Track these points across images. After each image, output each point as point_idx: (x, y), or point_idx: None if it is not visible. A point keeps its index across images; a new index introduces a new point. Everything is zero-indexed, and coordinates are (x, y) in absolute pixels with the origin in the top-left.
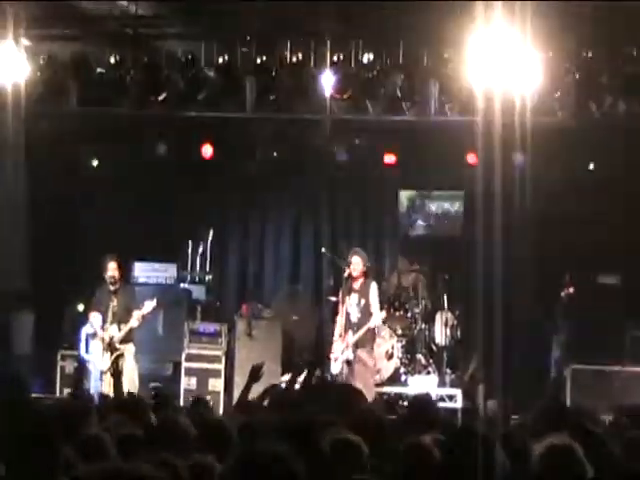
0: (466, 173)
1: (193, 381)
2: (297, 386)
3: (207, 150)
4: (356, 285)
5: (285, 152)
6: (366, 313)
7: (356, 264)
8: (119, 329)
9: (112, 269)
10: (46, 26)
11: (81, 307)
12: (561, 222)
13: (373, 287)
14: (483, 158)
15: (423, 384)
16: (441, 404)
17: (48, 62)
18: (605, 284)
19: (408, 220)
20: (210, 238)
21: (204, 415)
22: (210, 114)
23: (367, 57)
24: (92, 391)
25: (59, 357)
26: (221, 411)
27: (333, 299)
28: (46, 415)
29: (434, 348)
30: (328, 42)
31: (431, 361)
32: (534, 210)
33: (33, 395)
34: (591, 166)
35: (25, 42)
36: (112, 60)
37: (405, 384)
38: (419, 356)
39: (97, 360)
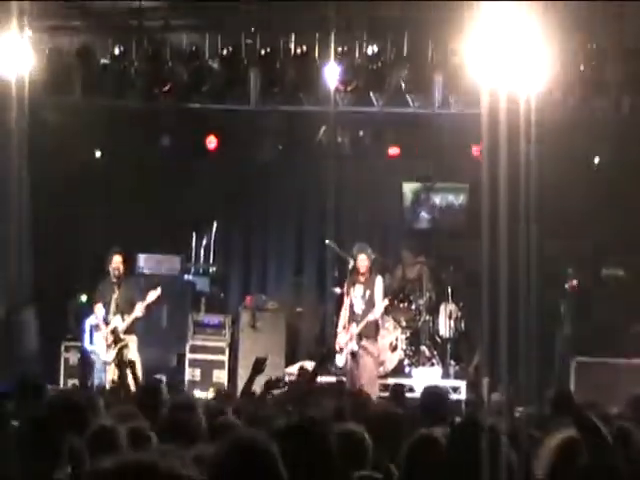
0: (470, 166)
1: (197, 372)
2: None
3: (211, 142)
4: (361, 277)
5: (289, 144)
6: (370, 305)
7: (362, 261)
8: (122, 320)
9: (117, 262)
10: (50, 18)
11: (84, 298)
12: (566, 215)
13: (378, 280)
14: (487, 151)
15: (427, 376)
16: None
17: (52, 54)
18: (609, 277)
19: (412, 212)
20: (214, 230)
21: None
22: (214, 106)
23: (372, 49)
24: (96, 382)
25: (63, 348)
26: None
27: (337, 291)
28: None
29: (438, 340)
30: (333, 34)
31: (435, 353)
32: (539, 203)
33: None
34: (596, 160)
35: (29, 34)
36: (116, 52)
37: (409, 376)
38: (423, 348)
39: (101, 351)
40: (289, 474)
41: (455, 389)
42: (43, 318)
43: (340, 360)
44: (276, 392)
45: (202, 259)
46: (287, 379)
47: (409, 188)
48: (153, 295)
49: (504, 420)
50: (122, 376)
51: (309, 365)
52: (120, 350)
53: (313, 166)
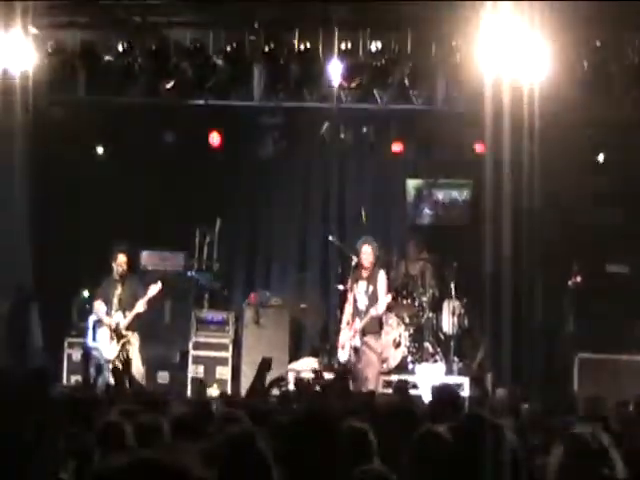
0: (474, 162)
1: (200, 369)
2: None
3: (215, 138)
4: (365, 273)
5: (293, 140)
6: (374, 301)
7: (367, 254)
8: (124, 316)
9: (121, 261)
10: (54, 14)
11: (86, 293)
12: (569, 211)
13: (382, 275)
14: (491, 147)
15: (430, 372)
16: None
17: (56, 50)
18: (613, 273)
19: (415, 209)
20: (218, 227)
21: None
22: (218, 102)
23: (375, 45)
24: (100, 379)
25: (66, 345)
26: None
27: (341, 287)
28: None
29: (441, 336)
30: (336, 30)
31: (438, 349)
32: (542, 199)
33: None
34: (600, 156)
35: (33, 30)
36: (120, 48)
37: (412, 372)
38: (426, 344)
39: (104, 348)
40: (294, 470)
41: (458, 386)
42: (46, 314)
43: (343, 356)
44: (278, 390)
45: (206, 255)
46: (290, 377)
47: (412, 184)
48: (154, 289)
49: (508, 416)
50: (126, 373)
51: (312, 362)
52: (123, 347)
53: (316, 163)
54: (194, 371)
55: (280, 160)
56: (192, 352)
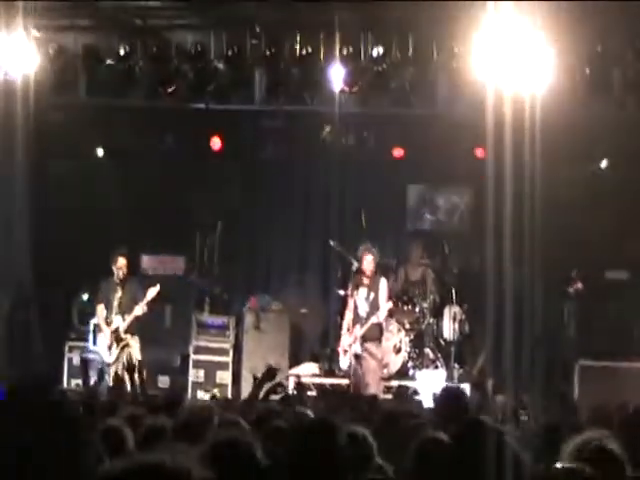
0: (474, 167)
1: (201, 373)
2: None
3: (216, 142)
4: (365, 280)
5: (293, 145)
6: (375, 308)
7: (368, 262)
8: (124, 320)
9: (121, 264)
10: (56, 17)
11: (85, 297)
12: (570, 218)
13: (383, 283)
14: (492, 152)
15: (431, 378)
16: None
17: (58, 53)
18: (613, 279)
19: (416, 214)
20: (218, 231)
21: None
22: (219, 106)
23: (377, 51)
24: (101, 384)
25: (66, 348)
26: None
27: (342, 292)
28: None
29: (442, 342)
30: (338, 35)
31: (439, 355)
32: (543, 205)
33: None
34: (602, 162)
35: (35, 33)
36: (121, 51)
37: (413, 378)
38: (427, 350)
39: (104, 352)
40: (296, 475)
41: None
42: (46, 318)
43: (344, 362)
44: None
45: (206, 260)
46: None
47: (413, 189)
48: (152, 292)
49: (509, 422)
50: (131, 378)
51: (313, 367)
52: (122, 350)
53: (317, 167)
54: (194, 375)
55: (281, 164)
56: (192, 356)
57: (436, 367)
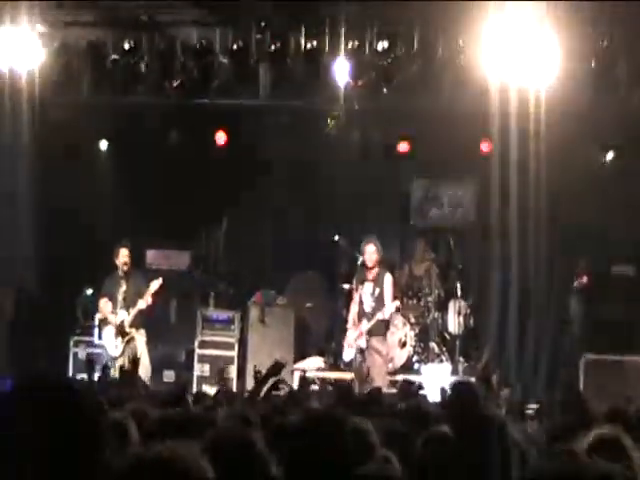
0: (480, 161)
1: (206, 368)
2: None
3: (220, 137)
4: (370, 274)
5: (299, 139)
6: (380, 303)
7: (371, 253)
8: (128, 313)
9: (124, 256)
10: (61, 13)
11: (90, 292)
12: (576, 212)
13: (387, 277)
14: (497, 146)
15: (436, 372)
16: None
17: (62, 48)
18: (619, 274)
19: (421, 209)
20: (224, 226)
21: None
22: (224, 101)
23: (382, 45)
24: (106, 378)
25: (72, 343)
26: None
27: (347, 286)
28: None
29: (447, 336)
30: (343, 29)
31: (444, 349)
32: (548, 199)
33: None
34: (607, 155)
35: (40, 28)
36: (126, 46)
37: (418, 372)
38: (432, 344)
39: (109, 346)
40: (299, 471)
41: None
42: (51, 313)
43: (348, 355)
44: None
45: (212, 254)
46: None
47: (418, 184)
48: (155, 284)
49: (514, 416)
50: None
51: (318, 361)
52: (127, 344)
53: (322, 162)
54: (200, 370)
55: (286, 159)
56: (198, 351)
57: (441, 361)
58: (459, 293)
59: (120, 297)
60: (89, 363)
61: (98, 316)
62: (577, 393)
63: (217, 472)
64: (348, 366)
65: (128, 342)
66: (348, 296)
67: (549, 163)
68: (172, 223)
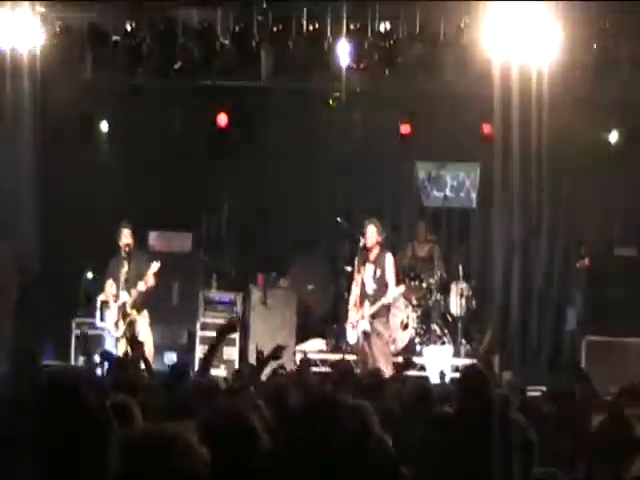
0: (482, 143)
1: None
2: None
3: (222, 119)
4: (371, 256)
5: (300, 121)
6: (382, 285)
7: (371, 233)
8: (130, 295)
9: (126, 236)
10: None
11: (90, 275)
12: (578, 194)
13: (389, 259)
14: (499, 128)
15: (438, 354)
16: (456, 374)
17: (63, 30)
18: (621, 256)
19: (424, 191)
20: (226, 209)
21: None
22: (225, 83)
23: (384, 26)
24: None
25: (74, 325)
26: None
27: (349, 269)
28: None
29: (449, 318)
30: (345, 11)
31: (446, 331)
32: (550, 181)
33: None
34: (611, 136)
35: (40, 9)
36: (128, 28)
37: (420, 354)
38: (434, 326)
39: (111, 327)
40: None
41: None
42: (54, 295)
43: (352, 338)
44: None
45: (213, 236)
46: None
47: (421, 166)
48: (154, 266)
49: (516, 397)
50: (135, 351)
51: (320, 343)
52: (129, 326)
53: (324, 144)
54: (202, 352)
55: (287, 141)
56: (200, 333)
57: (443, 343)
58: (461, 275)
59: (122, 278)
60: (83, 339)
61: (101, 298)
62: (583, 373)
63: (214, 452)
64: (351, 347)
65: (130, 324)
66: (350, 277)
67: (551, 145)
68: (174, 205)
